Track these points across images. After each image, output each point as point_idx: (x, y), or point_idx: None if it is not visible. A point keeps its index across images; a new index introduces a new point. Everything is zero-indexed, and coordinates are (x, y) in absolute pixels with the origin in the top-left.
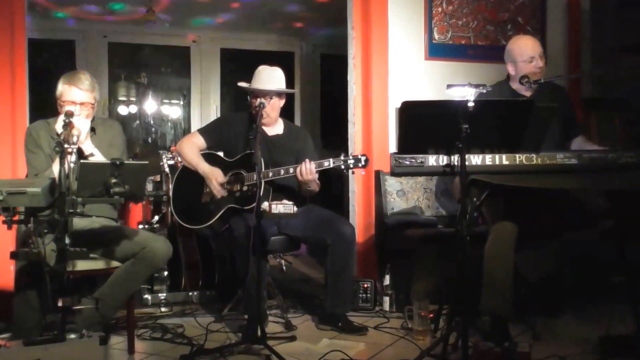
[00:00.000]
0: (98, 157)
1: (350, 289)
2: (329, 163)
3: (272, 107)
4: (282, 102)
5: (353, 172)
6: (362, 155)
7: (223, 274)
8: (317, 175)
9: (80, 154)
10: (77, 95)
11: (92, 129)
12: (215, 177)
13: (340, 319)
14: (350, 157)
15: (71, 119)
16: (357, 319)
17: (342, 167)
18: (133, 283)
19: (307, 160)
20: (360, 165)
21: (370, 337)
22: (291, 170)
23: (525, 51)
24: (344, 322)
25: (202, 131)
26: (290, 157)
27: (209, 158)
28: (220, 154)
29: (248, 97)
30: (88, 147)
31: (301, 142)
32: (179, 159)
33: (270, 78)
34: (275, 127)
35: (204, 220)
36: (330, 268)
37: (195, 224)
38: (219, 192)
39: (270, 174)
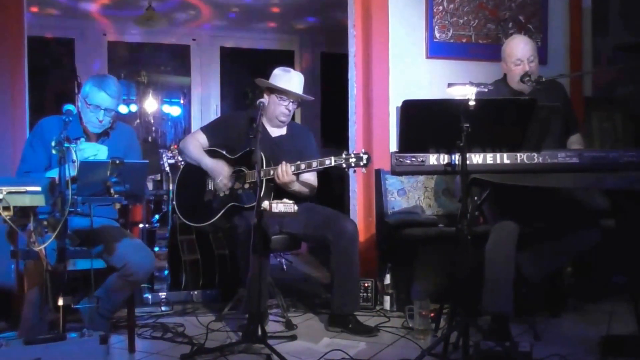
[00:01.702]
0: None
1: (356, 287)
2: (330, 162)
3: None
4: None
5: (355, 171)
6: (364, 153)
7: (224, 273)
8: (294, 178)
9: None
10: (104, 100)
11: (107, 133)
12: (222, 169)
13: (349, 320)
14: (352, 155)
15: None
16: (357, 318)
17: (344, 165)
18: (121, 294)
19: (283, 162)
20: (361, 163)
21: (371, 337)
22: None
23: (513, 54)
24: (354, 323)
25: (205, 129)
26: (293, 158)
27: (211, 155)
28: (223, 151)
29: (264, 96)
30: None
31: (303, 141)
32: (180, 157)
33: (302, 84)
34: (280, 129)
35: (206, 218)
36: (335, 267)
37: (198, 222)
38: (225, 185)
39: (272, 172)
